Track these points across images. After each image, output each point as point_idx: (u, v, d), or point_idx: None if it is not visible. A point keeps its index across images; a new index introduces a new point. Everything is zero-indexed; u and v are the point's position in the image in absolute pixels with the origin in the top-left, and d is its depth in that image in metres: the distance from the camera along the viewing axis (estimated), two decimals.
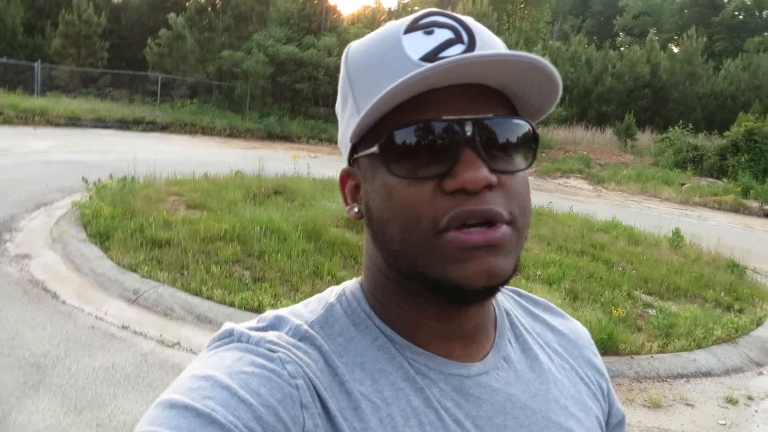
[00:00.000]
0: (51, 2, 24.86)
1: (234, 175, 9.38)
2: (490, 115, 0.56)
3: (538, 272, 6.00)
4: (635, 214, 11.19)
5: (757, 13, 44.88)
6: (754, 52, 30.74)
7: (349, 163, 0.64)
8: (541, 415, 0.65)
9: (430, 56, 0.56)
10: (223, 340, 0.57)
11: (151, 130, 18.45)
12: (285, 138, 20.60)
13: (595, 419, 0.71)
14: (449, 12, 0.60)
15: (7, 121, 15.77)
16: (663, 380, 4.36)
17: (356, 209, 0.63)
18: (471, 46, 0.57)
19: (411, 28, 0.58)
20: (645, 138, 24.20)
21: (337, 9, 25.72)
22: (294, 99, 23.57)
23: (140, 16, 26.07)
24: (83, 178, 7.37)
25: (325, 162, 13.88)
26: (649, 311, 5.49)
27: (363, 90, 0.58)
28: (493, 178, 0.54)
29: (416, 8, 39.13)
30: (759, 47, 34.05)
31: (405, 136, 0.55)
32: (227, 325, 0.58)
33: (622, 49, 38.45)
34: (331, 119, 22.05)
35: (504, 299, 0.74)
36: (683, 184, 16.32)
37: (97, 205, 6.48)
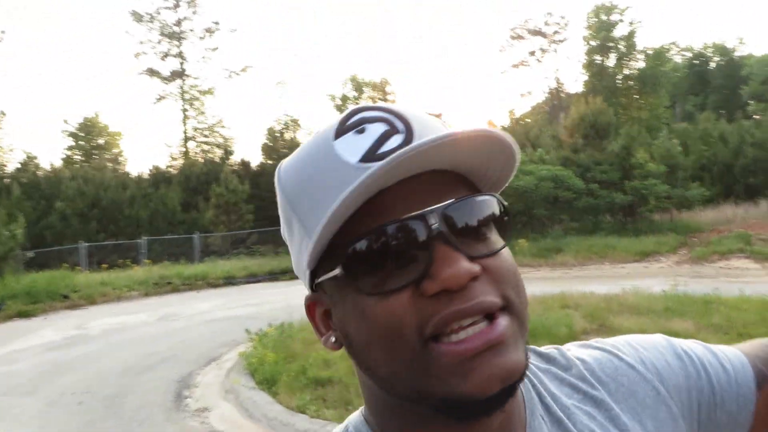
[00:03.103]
0: (202, 181, 28.26)
1: None
2: (452, 200, 0.51)
3: None
4: None
5: None
6: None
7: (312, 290, 0.58)
8: None
9: (370, 156, 0.51)
10: None
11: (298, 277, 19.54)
12: None
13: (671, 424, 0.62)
14: (375, 104, 0.57)
15: (175, 289, 17.49)
16: None
17: (333, 338, 0.57)
18: (409, 133, 0.53)
19: (340, 132, 0.54)
20: None
21: None
22: None
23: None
24: (246, 330, 7.90)
25: None
26: None
27: (306, 210, 0.54)
28: (476, 267, 0.49)
29: (528, 120, 39.91)
30: None
31: (365, 248, 0.50)
32: None
33: (756, 117, 36.23)
34: None
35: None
36: None
37: (260, 353, 6.87)
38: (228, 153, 37.12)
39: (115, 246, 23.68)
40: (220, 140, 40.91)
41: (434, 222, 0.49)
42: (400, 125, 0.53)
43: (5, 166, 37.39)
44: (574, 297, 9.47)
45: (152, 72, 39.17)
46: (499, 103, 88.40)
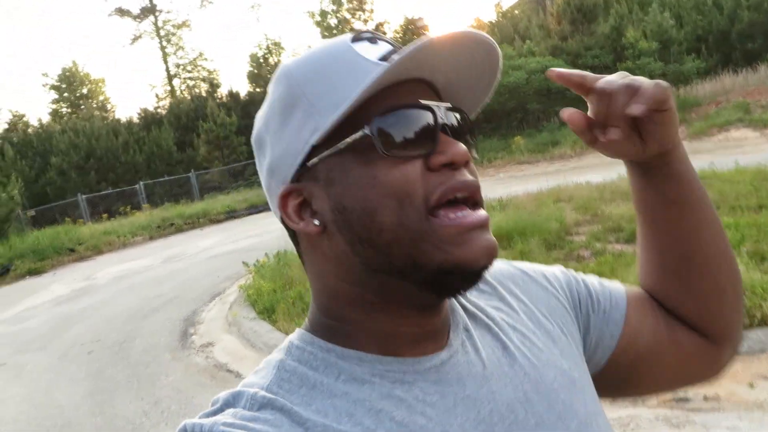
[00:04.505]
0: (192, 118, 27.83)
1: None
2: (450, 105, 0.60)
3: None
4: None
5: None
6: None
7: (295, 180, 0.60)
8: (518, 366, 0.65)
9: (386, 58, 0.58)
10: None
11: None
12: None
13: (559, 329, 0.72)
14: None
15: (178, 230, 17.64)
16: None
17: (316, 221, 0.59)
18: None
19: (356, 39, 0.61)
20: None
21: None
22: None
23: None
24: (244, 263, 7.97)
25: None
26: None
27: (322, 93, 0.58)
28: (470, 154, 0.59)
29: (516, 12, 38.51)
30: None
31: (389, 119, 0.56)
32: (183, 423, 0.55)
33: None
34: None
35: None
36: None
37: (258, 284, 6.96)
38: (214, 86, 36.39)
39: (116, 194, 23.71)
40: (204, 74, 40.02)
41: (441, 114, 0.58)
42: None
43: None
44: (568, 189, 9.44)
45: (122, 12, 37.83)
46: None
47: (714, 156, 10.96)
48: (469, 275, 0.57)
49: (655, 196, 0.74)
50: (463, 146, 0.57)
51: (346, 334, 0.61)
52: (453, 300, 0.68)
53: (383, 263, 0.57)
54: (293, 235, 0.64)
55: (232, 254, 11.02)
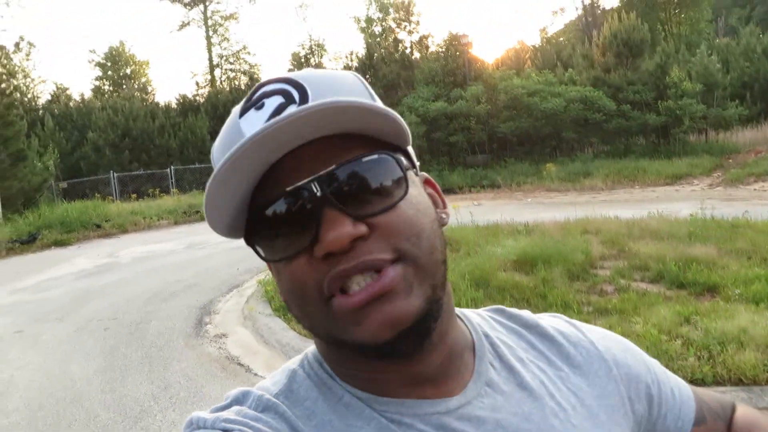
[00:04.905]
0: (228, 109, 28.14)
1: None
2: (333, 167, 0.53)
3: (737, 291, 5.31)
4: None
5: None
6: None
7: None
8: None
9: (274, 115, 0.55)
10: (186, 430, 0.57)
11: None
12: (447, 191, 20.84)
13: (621, 418, 0.67)
14: (280, 76, 0.59)
15: (203, 218, 17.75)
16: None
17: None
18: (303, 101, 0.55)
19: (244, 110, 0.58)
20: None
21: (480, 58, 25.96)
22: (450, 152, 23.92)
23: None
24: None
25: (489, 208, 13.76)
26: None
27: None
28: (361, 228, 0.52)
29: (561, 39, 38.32)
30: None
31: (262, 219, 0.55)
32: (191, 415, 0.58)
33: None
34: (492, 165, 21.99)
35: (482, 321, 0.71)
36: None
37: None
38: (254, 80, 36.79)
39: (147, 176, 24.07)
40: (246, 67, 40.55)
41: (318, 189, 0.52)
42: (296, 95, 0.56)
43: (38, 98, 37.87)
44: (596, 222, 9.33)
45: None
46: (530, 21, 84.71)
47: (749, 205, 10.77)
48: (384, 349, 0.54)
49: None
50: (344, 228, 0.51)
51: (341, 372, 0.61)
52: (482, 342, 0.67)
53: (319, 338, 0.60)
54: None
55: None
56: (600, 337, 0.73)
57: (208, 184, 0.52)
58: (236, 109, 0.59)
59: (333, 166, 0.53)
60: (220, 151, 0.59)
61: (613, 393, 0.68)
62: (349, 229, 0.51)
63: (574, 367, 0.68)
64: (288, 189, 0.53)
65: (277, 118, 0.50)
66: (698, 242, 7.20)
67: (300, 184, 0.53)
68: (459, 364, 0.62)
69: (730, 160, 18.75)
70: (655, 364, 0.75)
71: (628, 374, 0.70)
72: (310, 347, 0.66)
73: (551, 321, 0.74)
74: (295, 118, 0.50)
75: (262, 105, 0.56)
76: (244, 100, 0.59)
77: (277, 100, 0.56)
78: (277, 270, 0.57)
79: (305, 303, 0.55)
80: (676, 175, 17.27)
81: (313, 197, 0.52)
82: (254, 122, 0.55)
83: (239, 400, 0.59)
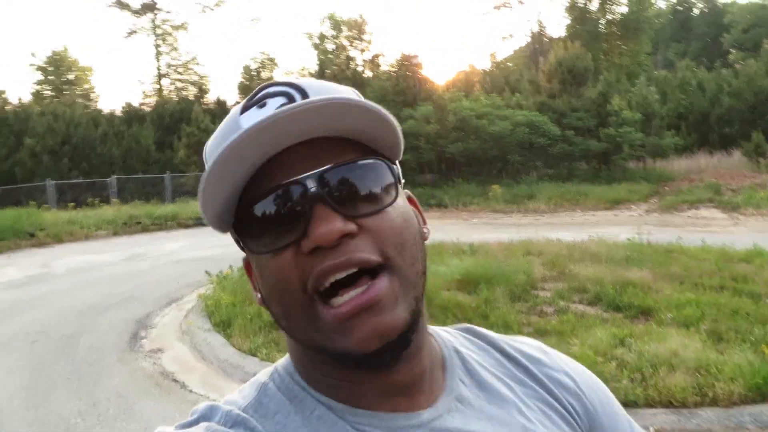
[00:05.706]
0: (176, 120, 27.63)
1: None
2: (329, 166, 0.54)
3: (670, 315, 5.49)
4: None
5: None
6: None
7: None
8: None
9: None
10: None
11: None
12: None
13: None
14: (283, 80, 0.60)
15: (144, 229, 17.31)
16: None
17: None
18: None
19: (246, 107, 0.58)
20: None
21: (430, 79, 26.34)
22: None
23: None
24: (206, 272, 7.84)
25: (435, 227, 13.77)
26: None
27: None
28: (351, 226, 0.53)
29: (510, 64, 39.36)
30: None
31: (253, 211, 0.55)
32: (157, 430, 0.55)
33: (736, 66, 36.17)
34: (439, 185, 22.22)
35: (452, 338, 0.71)
36: None
37: (218, 296, 6.83)
38: (203, 91, 36.22)
39: (87, 184, 23.24)
40: (195, 78, 39.85)
41: (312, 186, 0.53)
42: (297, 97, 0.57)
43: None
44: (539, 244, 9.53)
45: (122, 4, 37.69)
46: (480, 45, 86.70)
47: (682, 231, 11.23)
48: (367, 360, 0.54)
49: None
50: (334, 224, 0.52)
51: (315, 380, 0.61)
52: (453, 359, 0.67)
53: (298, 342, 0.59)
54: None
55: (197, 261, 10.84)
56: (571, 364, 0.74)
57: (206, 171, 0.52)
58: (236, 108, 0.60)
59: (329, 165, 0.54)
60: (216, 144, 0.59)
61: (577, 420, 0.69)
62: (339, 225, 0.52)
63: (541, 387, 0.69)
64: (283, 182, 0.54)
65: (282, 108, 0.51)
66: (635, 266, 7.43)
67: (295, 179, 0.53)
68: (431, 377, 0.63)
69: (666, 188, 19.54)
70: (621, 409, 0.75)
71: (594, 407, 0.71)
72: (280, 360, 0.65)
73: (524, 345, 0.75)
74: (302, 110, 0.51)
75: (265, 104, 0.57)
76: (245, 99, 0.60)
77: (280, 100, 0.57)
78: (260, 265, 0.56)
79: (287, 301, 0.54)
80: (615, 200, 17.85)
81: (306, 193, 0.53)
82: (254, 118, 0.56)
83: (206, 416, 0.57)
